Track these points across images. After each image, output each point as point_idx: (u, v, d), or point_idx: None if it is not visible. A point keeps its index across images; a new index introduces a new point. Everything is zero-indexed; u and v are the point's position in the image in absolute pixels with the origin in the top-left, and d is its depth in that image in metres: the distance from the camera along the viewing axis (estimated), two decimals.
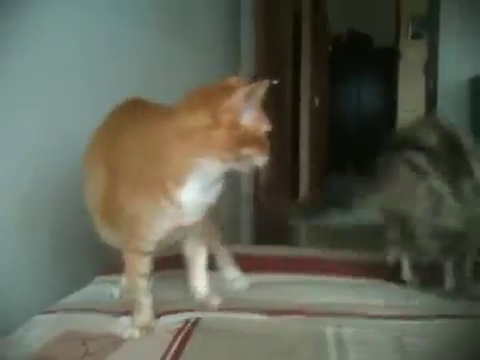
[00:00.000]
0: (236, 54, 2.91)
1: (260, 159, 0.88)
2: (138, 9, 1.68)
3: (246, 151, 0.85)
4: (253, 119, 0.85)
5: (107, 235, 1.03)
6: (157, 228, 0.92)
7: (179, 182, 0.87)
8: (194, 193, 0.88)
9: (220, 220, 1.17)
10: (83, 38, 1.40)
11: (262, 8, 2.83)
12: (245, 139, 0.84)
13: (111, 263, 1.14)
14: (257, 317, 1.00)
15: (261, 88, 0.84)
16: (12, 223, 1.17)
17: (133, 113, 1.02)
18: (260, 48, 2.83)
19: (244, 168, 0.89)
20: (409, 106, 4.98)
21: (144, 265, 0.95)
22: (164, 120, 0.90)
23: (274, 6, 3.02)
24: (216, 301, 1.05)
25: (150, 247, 0.94)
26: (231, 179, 0.93)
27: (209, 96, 0.86)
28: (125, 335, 0.92)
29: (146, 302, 0.96)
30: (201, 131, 0.84)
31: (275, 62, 3.04)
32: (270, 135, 0.89)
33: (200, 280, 1.07)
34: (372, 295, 1.14)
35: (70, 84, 1.34)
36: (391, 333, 0.93)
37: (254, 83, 0.84)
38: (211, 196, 0.92)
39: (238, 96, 0.83)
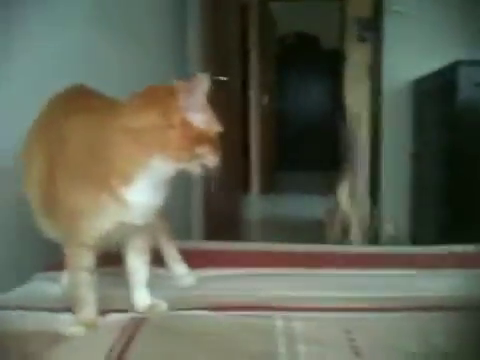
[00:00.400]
0: (183, 53, 2.87)
1: (211, 158, 0.88)
2: (83, 10, 1.63)
3: (199, 150, 0.86)
4: (203, 118, 0.86)
5: (47, 228, 0.99)
6: (98, 224, 0.88)
7: (126, 180, 0.86)
8: (142, 192, 0.87)
9: (168, 216, 1.15)
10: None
11: (209, 7, 2.82)
12: (197, 138, 0.85)
13: (52, 260, 1.09)
14: (205, 313, 0.98)
15: (201, 84, 0.85)
16: None
17: (76, 102, 0.98)
18: (207, 47, 2.81)
19: (195, 169, 0.89)
20: (354, 106, 5.08)
21: (87, 259, 0.91)
22: (111, 115, 0.88)
23: (221, 4, 3.01)
24: (161, 308, 1.00)
25: (92, 241, 0.90)
26: (182, 180, 0.92)
27: (156, 96, 0.87)
28: (68, 332, 0.89)
29: (90, 298, 0.92)
30: (153, 131, 0.84)
31: (223, 60, 3.03)
32: (220, 134, 0.90)
33: (140, 294, 1.01)
34: (324, 287, 1.14)
35: None
36: (341, 326, 0.92)
37: (193, 80, 0.85)
38: (159, 198, 0.91)
39: (182, 95, 0.84)
